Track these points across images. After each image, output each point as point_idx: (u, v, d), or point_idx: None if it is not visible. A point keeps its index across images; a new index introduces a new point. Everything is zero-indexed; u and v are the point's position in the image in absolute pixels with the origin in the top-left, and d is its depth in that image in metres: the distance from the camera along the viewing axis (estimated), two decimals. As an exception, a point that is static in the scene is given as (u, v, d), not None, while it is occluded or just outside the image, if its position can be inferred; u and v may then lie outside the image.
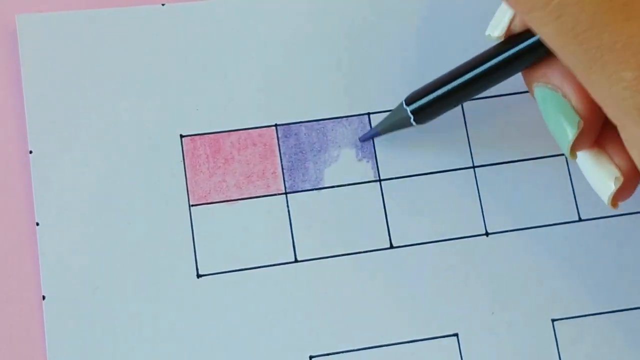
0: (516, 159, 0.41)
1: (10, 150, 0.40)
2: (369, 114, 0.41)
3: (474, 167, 0.41)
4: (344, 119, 0.41)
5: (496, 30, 0.36)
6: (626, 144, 0.32)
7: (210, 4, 0.42)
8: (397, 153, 0.41)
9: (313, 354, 0.39)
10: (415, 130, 0.39)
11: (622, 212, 0.41)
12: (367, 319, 0.39)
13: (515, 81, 0.37)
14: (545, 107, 0.35)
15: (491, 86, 0.37)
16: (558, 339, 0.39)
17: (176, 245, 0.39)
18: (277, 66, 0.42)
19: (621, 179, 0.35)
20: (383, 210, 0.40)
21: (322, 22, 0.42)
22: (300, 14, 0.42)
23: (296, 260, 0.40)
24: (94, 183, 0.40)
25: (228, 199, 0.40)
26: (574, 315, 0.40)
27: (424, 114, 0.39)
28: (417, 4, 0.43)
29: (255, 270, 0.39)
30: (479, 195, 0.41)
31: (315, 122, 0.41)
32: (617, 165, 0.35)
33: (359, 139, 0.41)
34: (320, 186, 0.40)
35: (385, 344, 0.39)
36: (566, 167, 0.41)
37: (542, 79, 0.35)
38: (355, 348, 0.39)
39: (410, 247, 0.40)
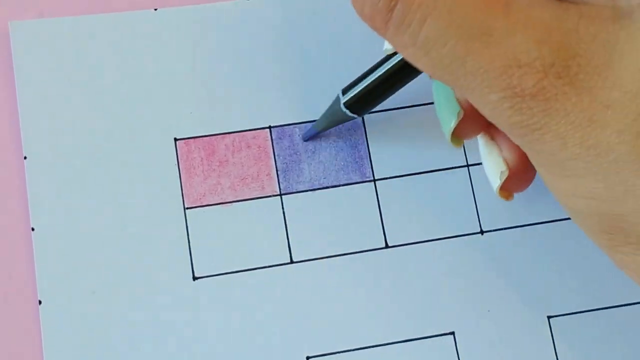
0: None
1: (5, 156, 0.40)
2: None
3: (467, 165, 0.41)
4: (338, 119, 0.41)
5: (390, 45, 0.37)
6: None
7: (201, 8, 0.42)
8: (391, 152, 0.41)
9: (310, 355, 0.39)
10: (408, 129, 0.40)
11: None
12: (363, 319, 0.39)
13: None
14: (436, 94, 0.36)
15: (416, 75, 0.37)
16: (554, 336, 0.39)
17: (172, 248, 0.39)
18: (270, 68, 0.42)
19: (506, 173, 0.35)
20: (378, 210, 0.40)
21: (313, 24, 0.43)
22: (291, 16, 0.43)
23: (292, 262, 0.40)
24: (89, 188, 0.40)
25: (223, 201, 0.40)
26: (569, 312, 0.40)
27: (358, 105, 0.39)
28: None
29: (251, 272, 0.39)
30: (474, 194, 0.41)
31: (308, 124, 0.41)
32: (504, 159, 0.36)
33: (302, 138, 0.41)
34: (315, 187, 0.41)
35: (381, 343, 0.39)
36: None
37: None
38: (352, 348, 0.39)
39: (406, 246, 0.40)
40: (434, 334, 0.39)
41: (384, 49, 0.37)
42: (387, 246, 0.40)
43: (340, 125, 0.41)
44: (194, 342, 0.38)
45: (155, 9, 0.42)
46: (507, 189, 0.36)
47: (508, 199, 0.36)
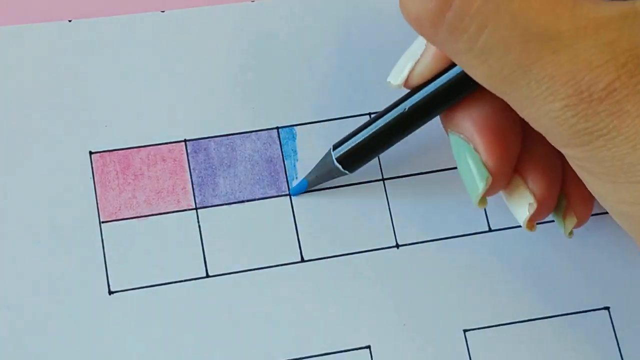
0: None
1: None
2: (277, 128, 0.42)
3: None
4: (253, 133, 0.42)
5: (397, 79, 0.36)
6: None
7: (114, 20, 0.42)
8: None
9: (226, 369, 0.39)
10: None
11: None
12: (273, 335, 0.39)
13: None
14: (458, 154, 0.36)
15: (414, 129, 0.37)
16: (470, 349, 0.40)
17: (87, 262, 0.39)
18: (185, 81, 0.42)
19: (535, 205, 0.36)
20: (294, 224, 0.41)
21: (229, 37, 0.43)
22: (209, 30, 0.43)
23: (207, 276, 0.40)
24: (2, 200, 0.39)
25: (138, 215, 0.40)
26: (485, 325, 0.40)
27: (351, 161, 0.39)
28: (326, 21, 0.43)
29: (167, 286, 0.39)
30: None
31: (224, 137, 0.41)
32: (531, 191, 0.36)
33: (291, 192, 0.41)
34: (230, 201, 0.41)
35: (291, 358, 0.39)
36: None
37: (455, 128, 0.36)
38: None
39: (321, 260, 0.40)
40: (350, 347, 0.40)
41: (387, 80, 0.36)
42: (302, 260, 0.40)
43: (256, 139, 0.41)
44: (109, 357, 0.38)
45: (70, 20, 0.42)
46: (533, 220, 0.36)
47: (532, 230, 0.36)
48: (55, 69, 0.41)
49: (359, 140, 0.38)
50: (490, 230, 0.41)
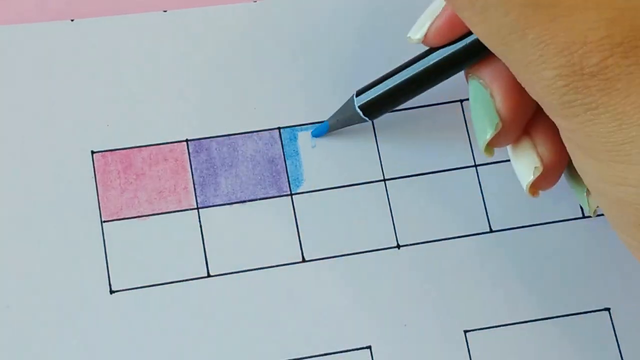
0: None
1: None
2: (279, 128, 0.42)
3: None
4: (254, 133, 0.42)
5: (417, 34, 0.37)
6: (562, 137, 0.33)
7: (116, 20, 0.42)
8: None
9: (227, 368, 0.39)
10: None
11: (533, 223, 0.41)
12: (273, 335, 0.39)
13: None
14: (473, 100, 0.36)
15: (436, 83, 0.38)
16: (470, 350, 0.40)
17: (89, 262, 0.39)
18: (187, 81, 0.42)
19: (540, 169, 0.36)
20: (295, 224, 0.41)
21: (230, 37, 0.43)
22: (210, 30, 0.43)
23: (208, 275, 0.40)
24: (4, 200, 0.39)
25: (140, 214, 0.40)
26: (485, 326, 0.40)
27: (373, 109, 0.39)
28: (327, 21, 0.43)
29: (169, 286, 0.39)
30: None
31: (226, 137, 0.41)
32: (539, 155, 0.36)
33: (312, 133, 0.41)
34: (232, 201, 0.41)
35: (292, 358, 0.39)
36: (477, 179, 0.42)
37: (475, 72, 0.36)
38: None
39: (322, 260, 0.40)
40: (350, 348, 0.40)
41: (407, 35, 0.37)
42: (303, 260, 0.40)
43: (257, 139, 0.41)
44: (110, 355, 0.38)
45: (72, 20, 0.42)
46: (537, 185, 0.36)
47: (535, 196, 0.36)
48: (56, 69, 0.41)
49: (382, 91, 0.39)
50: (491, 231, 0.41)
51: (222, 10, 0.43)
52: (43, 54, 0.41)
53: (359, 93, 0.39)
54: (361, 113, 0.39)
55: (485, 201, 0.42)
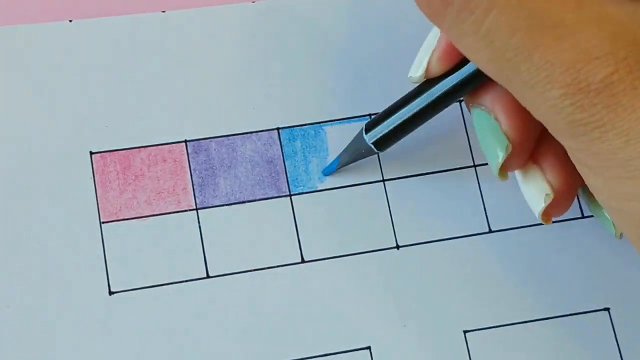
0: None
1: None
2: (278, 128, 0.42)
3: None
4: (253, 134, 0.42)
5: (418, 71, 0.36)
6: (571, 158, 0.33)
7: (115, 20, 0.42)
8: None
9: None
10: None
11: (531, 224, 0.41)
12: (273, 336, 0.39)
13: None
14: (479, 128, 0.36)
15: (441, 110, 0.37)
16: (470, 350, 0.40)
17: (87, 263, 0.39)
18: (186, 82, 0.42)
19: (551, 196, 0.36)
20: (294, 224, 0.41)
21: (229, 37, 0.43)
22: (209, 30, 0.43)
23: (208, 276, 0.40)
24: (3, 201, 0.39)
25: (139, 215, 0.40)
26: (485, 326, 0.40)
27: (385, 142, 0.39)
28: (327, 22, 0.43)
29: (168, 287, 0.39)
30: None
31: (224, 138, 0.41)
32: (548, 182, 0.36)
33: (323, 173, 0.41)
34: (231, 202, 0.41)
35: (292, 358, 0.39)
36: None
37: (476, 100, 0.36)
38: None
39: (321, 261, 0.40)
40: (350, 348, 0.40)
41: (408, 76, 0.37)
42: (302, 261, 0.40)
43: (256, 140, 0.41)
44: (109, 358, 0.38)
45: (71, 20, 0.42)
46: (549, 212, 0.36)
47: (548, 223, 0.36)
48: (55, 70, 0.41)
49: (393, 125, 0.38)
50: (490, 231, 0.41)
51: (221, 10, 0.43)
52: (42, 55, 0.41)
53: (368, 128, 0.39)
54: (374, 148, 0.39)
55: (485, 201, 0.42)
